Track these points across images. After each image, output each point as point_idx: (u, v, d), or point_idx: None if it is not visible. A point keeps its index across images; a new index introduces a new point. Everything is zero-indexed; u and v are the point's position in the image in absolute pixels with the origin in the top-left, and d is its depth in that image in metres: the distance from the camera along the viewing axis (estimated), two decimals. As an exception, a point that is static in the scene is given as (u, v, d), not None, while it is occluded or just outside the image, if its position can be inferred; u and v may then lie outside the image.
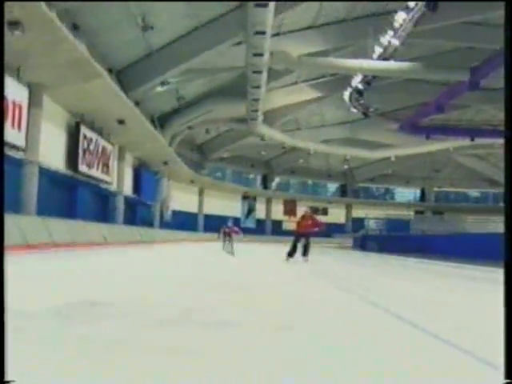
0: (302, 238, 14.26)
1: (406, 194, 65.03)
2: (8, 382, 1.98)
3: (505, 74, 2.48)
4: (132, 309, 4.31)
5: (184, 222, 44.78)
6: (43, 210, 18.46)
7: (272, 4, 20.97)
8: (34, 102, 17.55)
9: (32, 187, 18.16)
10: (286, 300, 5.63)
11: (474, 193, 64.51)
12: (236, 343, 3.17)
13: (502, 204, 42.28)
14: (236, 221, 52.95)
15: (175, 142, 38.40)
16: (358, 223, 54.05)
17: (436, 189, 62.06)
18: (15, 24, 12.82)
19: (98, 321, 3.61)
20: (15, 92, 16.38)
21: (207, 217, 51.18)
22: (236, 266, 12.79)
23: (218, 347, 3.00)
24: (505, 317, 2.20)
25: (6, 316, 2.13)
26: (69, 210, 22.59)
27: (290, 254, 13.95)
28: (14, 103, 16.26)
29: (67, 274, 7.71)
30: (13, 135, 16.30)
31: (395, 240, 31.51)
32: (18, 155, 17.37)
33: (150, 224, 36.75)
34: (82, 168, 23.35)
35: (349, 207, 61.12)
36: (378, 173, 59.71)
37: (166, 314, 4.01)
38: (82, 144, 23.11)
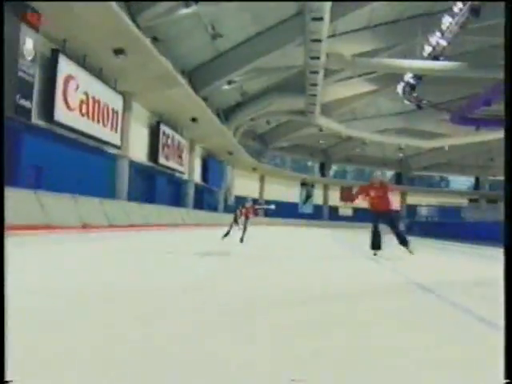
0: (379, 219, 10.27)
1: (462, 181, 65.78)
2: (8, 382, 1.92)
3: (505, 74, 2.55)
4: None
5: (245, 207, 47.89)
6: (132, 197, 22.34)
7: (327, 15, 23.75)
8: (126, 107, 21.32)
9: (124, 177, 21.95)
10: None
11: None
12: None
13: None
14: (294, 206, 56.34)
15: (239, 133, 41.64)
16: (413, 210, 56.35)
17: (490, 177, 62.72)
18: (120, 51, 16.33)
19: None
20: (113, 101, 20.16)
21: (267, 202, 54.39)
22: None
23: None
24: (505, 317, 2.13)
25: (6, 316, 2.03)
26: (149, 196, 26.40)
27: (376, 244, 10.09)
28: (112, 110, 20.06)
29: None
30: (111, 136, 20.17)
31: (437, 226, 33.89)
32: (115, 152, 21.20)
33: (215, 208, 40.41)
34: (161, 160, 27.21)
35: (404, 194, 62.87)
36: (433, 161, 60.82)
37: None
38: (162, 139, 26.95)
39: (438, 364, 2.36)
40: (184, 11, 21.60)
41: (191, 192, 33.60)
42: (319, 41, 26.00)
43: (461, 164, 61.47)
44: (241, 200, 38.99)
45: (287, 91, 37.21)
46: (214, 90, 31.66)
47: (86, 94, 18.16)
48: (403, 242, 10.08)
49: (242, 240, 11.63)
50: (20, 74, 13.02)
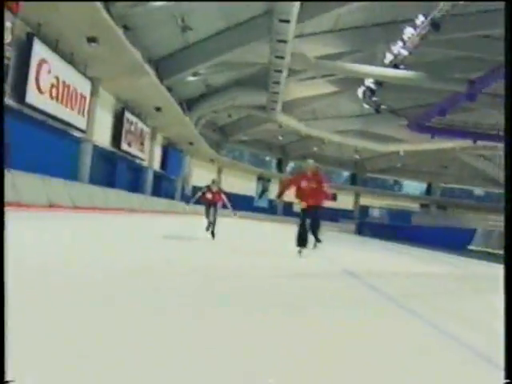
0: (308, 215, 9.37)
1: (414, 187, 67.28)
2: (8, 382, 1.89)
3: (505, 74, 2.52)
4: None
5: (201, 198, 48.68)
6: (93, 180, 22.84)
7: (294, 17, 24.63)
8: (93, 92, 21.79)
9: (87, 161, 22.43)
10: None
11: (478, 191, 66.80)
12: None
13: (502, 204, 44.88)
14: (250, 199, 57.26)
15: (200, 124, 42.28)
16: (365, 211, 58.00)
17: (442, 184, 64.94)
18: (93, 40, 16.84)
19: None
20: (82, 85, 20.64)
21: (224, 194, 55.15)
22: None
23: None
24: (505, 317, 2.14)
25: (6, 316, 1.98)
26: (110, 181, 26.87)
27: (302, 241, 9.25)
28: (81, 95, 20.53)
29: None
30: (78, 120, 20.62)
31: (386, 228, 35.42)
32: (81, 135, 21.66)
33: (172, 196, 41.00)
34: (124, 146, 27.68)
35: (357, 195, 64.56)
36: (388, 165, 62.68)
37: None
38: (125, 126, 27.43)
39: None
40: (156, 3, 22.18)
41: (150, 179, 34.13)
42: (285, 41, 26.89)
43: (415, 170, 63.41)
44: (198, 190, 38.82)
45: (250, 86, 37.99)
46: (179, 81, 32.23)
47: (57, 78, 18.64)
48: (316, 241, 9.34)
49: (213, 234, 11.25)
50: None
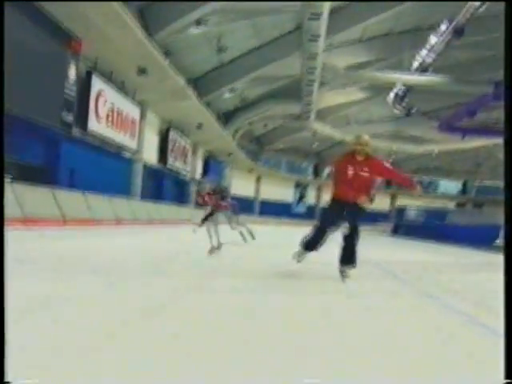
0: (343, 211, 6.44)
1: (452, 186, 67.96)
2: (8, 382, 1.95)
3: (504, 74, 2.54)
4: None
5: (242, 206, 50.62)
6: (143, 195, 25.05)
7: (323, 36, 26.19)
8: (142, 115, 23.99)
9: (138, 178, 24.63)
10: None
11: (514, 187, 66.36)
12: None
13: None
14: (288, 206, 58.92)
15: (237, 136, 44.20)
16: (401, 212, 58.90)
17: (477, 182, 65.08)
18: (142, 70, 18.95)
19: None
20: (132, 110, 22.87)
21: (263, 202, 57.04)
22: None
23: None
24: (505, 317, 2.20)
25: (6, 315, 2.07)
26: (158, 195, 29.06)
27: (314, 244, 6.67)
28: (132, 119, 22.77)
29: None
30: (129, 142, 22.85)
31: (421, 228, 36.54)
32: (132, 156, 23.89)
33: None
34: (170, 162, 29.94)
35: (394, 196, 65.29)
36: (422, 165, 63.33)
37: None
38: (170, 144, 29.68)
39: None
40: (194, 31, 24.16)
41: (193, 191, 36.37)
42: (315, 57, 28.49)
43: (449, 169, 63.76)
44: (240, 200, 40.33)
45: (284, 97, 39.49)
46: (217, 97, 34.14)
47: (112, 105, 20.89)
48: (350, 259, 6.42)
49: (212, 250, 8.54)
50: (65, 94, 15.72)
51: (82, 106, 18.48)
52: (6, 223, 2.41)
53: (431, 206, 53.61)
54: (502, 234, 27.14)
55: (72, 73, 15.91)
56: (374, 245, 16.94)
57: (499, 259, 2.97)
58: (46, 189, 13.83)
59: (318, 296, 5.05)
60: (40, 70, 14.29)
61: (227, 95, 34.39)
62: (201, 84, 31.51)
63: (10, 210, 11.13)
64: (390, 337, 3.44)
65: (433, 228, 35.63)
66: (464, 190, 66.25)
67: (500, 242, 24.59)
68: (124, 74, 20.68)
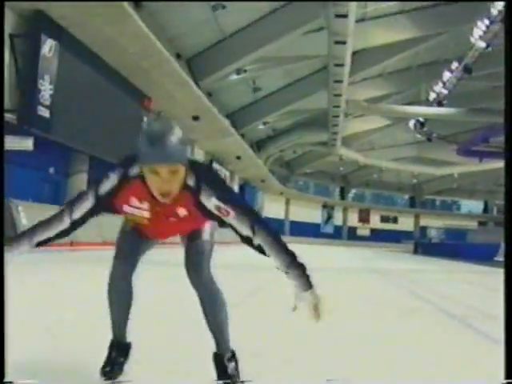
0: None
1: (474, 205, 69.56)
2: (8, 382, 1.95)
3: (505, 74, 2.58)
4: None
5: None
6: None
7: (346, 76, 29.55)
8: (191, 153, 28.00)
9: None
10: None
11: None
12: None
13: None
14: (316, 226, 61.86)
15: (269, 162, 47.51)
16: (423, 231, 61.22)
17: (498, 202, 66.75)
18: (196, 118, 22.92)
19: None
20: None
21: (292, 222, 60.13)
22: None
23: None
24: (505, 317, 2.18)
25: (6, 315, 2.03)
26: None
27: None
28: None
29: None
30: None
31: (438, 246, 39.04)
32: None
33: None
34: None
35: (417, 217, 67.70)
36: (444, 187, 65.20)
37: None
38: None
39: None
40: (235, 77, 27.98)
41: (231, 215, 40.04)
42: (340, 95, 31.93)
43: (470, 189, 65.37)
44: (271, 221, 42.83)
45: (312, 127, 42.12)
46: (251, 128, 37.71)
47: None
48: None
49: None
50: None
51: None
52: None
53: (452, 225, 55.74)
54: (500, 250, 29.21)
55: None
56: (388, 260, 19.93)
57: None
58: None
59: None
60: (122, 122, 18.02)
61: (261, 127, 38.01)
62: (236, 118, 34.84)
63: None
64: (390, 337, 3.86)
65: (452, 246, 37.88)
66: (485, 210, 68.29)
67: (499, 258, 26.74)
68: (181, 122, 24.40)
